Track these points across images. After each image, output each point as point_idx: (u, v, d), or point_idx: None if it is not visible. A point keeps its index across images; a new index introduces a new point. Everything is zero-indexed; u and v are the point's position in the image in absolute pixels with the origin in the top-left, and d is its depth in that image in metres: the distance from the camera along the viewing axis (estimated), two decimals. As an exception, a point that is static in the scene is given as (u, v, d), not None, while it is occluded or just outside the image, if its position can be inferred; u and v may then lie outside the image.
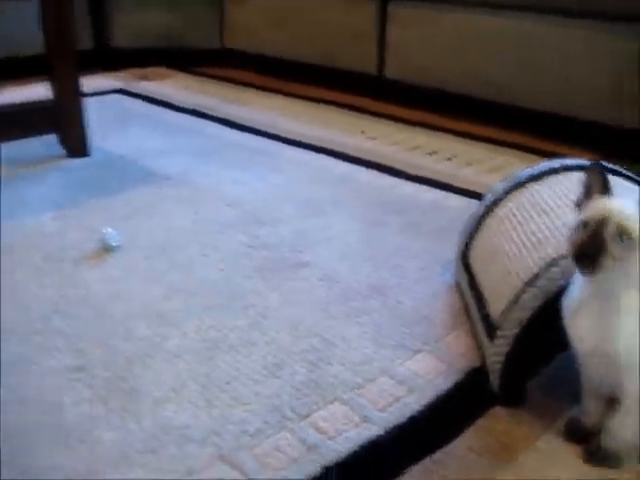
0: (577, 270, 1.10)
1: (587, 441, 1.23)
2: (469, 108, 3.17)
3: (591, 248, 1.06)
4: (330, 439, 1.25)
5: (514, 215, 1.50)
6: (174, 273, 1.80)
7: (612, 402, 1.19)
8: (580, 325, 1.14)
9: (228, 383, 1.39)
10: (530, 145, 2.82)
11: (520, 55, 2.92)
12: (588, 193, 1.14)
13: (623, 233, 1.05)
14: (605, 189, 1.13)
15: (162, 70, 4.11)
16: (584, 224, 1.09)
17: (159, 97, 3.54)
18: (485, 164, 2.65)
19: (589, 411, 1.24)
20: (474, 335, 1.50)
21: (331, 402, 1.34)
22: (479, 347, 1.45)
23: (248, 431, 1.27)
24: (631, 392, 1.14)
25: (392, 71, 3.45)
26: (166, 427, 1.27)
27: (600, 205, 1.10)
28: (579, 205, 1.15)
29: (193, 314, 1.62)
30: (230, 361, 1.46)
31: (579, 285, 1.16)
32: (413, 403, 1.34)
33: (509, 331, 1.27)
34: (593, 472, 1.18)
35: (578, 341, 1.16)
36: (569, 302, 1.18)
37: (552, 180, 1.55)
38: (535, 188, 1.55)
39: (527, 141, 2.87)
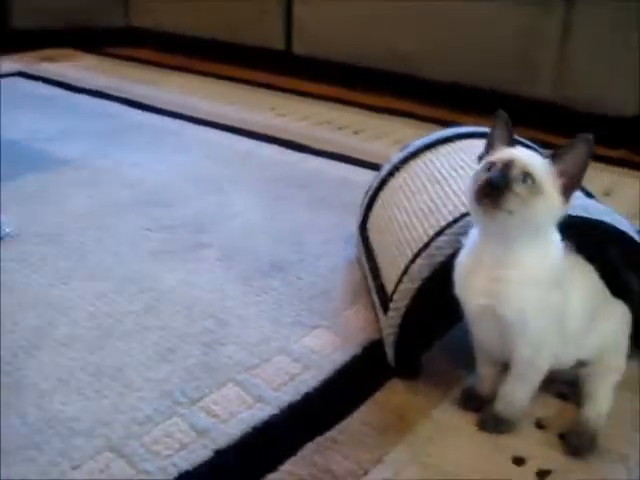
0: (478, 209, 1.07)
1: (482, 409, 1.23)
2: (378, 82, 3.16)
3: (497, 182, 1.03)
4: (222, 422, 1.21)
5: (407, 185, 1.48)
6: (67, 260, 1.73)
7: (505, 369, 1.20)
8: (470, 283, 1.12)
9: (119, 370, 1.34)
10: (438, 117, 2.83)
11: (426, 27, 2.92)
12: (492, 144, 1.14)
13: (527, 176, 1.04)
14: (509, 140, 1.13)
15: (67, 51, 3.95)
16: (489, 165, 1.08)
17: (61, 79, 3.40)
18: (393, 137, 2.64)
19: (483, 379, 1.25)
20: (373, 308, 1.49)
21: (224, 384, 1.30)
22: (377, 320, 1.44)
23: (138, 419, 1.22)
24: (522, 357, 1.15)
25: (300, 46, 3.41)
26: (52, 420, 1.21)
27: (506, 151, 1.10)
28: (480, 155, 1.15)
29: (85, 301, 1.56)
30: (123, 348, 1.41)
31: (472, 243, 1.14)
32: (309, 380, 1.31)
33: (400, 302, 1.26)
34: (486, 438, 1.19)
35: (468, 301, 1.14)
36: (460, 262, 1.16)
37: (445, 149, 1.54)
38: (428, 157, 1.53)
39: (435, 113, 2.88)
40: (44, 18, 3.90)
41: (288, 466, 1.12)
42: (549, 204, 1.06)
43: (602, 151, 2.52)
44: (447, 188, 1.39)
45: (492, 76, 2.76)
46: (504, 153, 1.09)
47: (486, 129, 1.59)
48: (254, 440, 1.18)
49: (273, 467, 1.12)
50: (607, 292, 1.27)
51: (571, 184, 1.08)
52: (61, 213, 1.97)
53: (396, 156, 1.62)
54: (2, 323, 1.47)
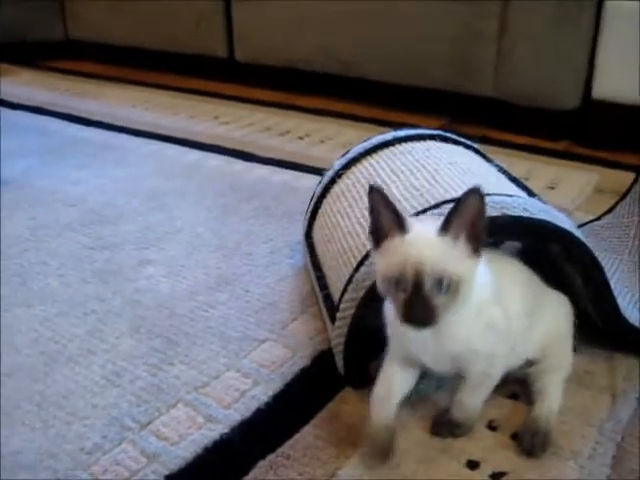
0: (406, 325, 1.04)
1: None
2: (320, 85, 3.16)
3: (420, 313, 1.00)
4: (173, 445, 1.19)
5: (350, 192, 1.48)
6: (8, 285, 1.68)
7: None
8: (415, 336, 1.09)
9: (65, 398, 1.31)
10: (380, 117, 2.84)
11: (364, 28, 2.92)
12: (381, 227, 1.05)
13: (441, 279, 1.00)
14: (396, 216, 1.03)
15: (4, 66, 3.86)
16: (397, 282, 1.01)
17: (-1, 96, 3.32)
18: (337, 140, 2.64)
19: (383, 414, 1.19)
20: (321, 317, 1.48)
21: (174, 405, 1.28)
22: (326, 329, 1.43)
23: (85, 448, 1.19)
24: (476, 371, 1.16)
25: (241, 53, 3.39)
26: (-4, 455, 1.18)
27: (404, 254, 1.01)
28: (375, 237, 1.06)
29: (28, 327, 1.52)
30: (68, 374, 1.37)
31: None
32: (259, 395, 1.30)
33: (347, 312, 1.25)
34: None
35: (414, 350, 1.14)
36: (389, 316, 1.15)
37: (385, 153, 1.53)
38: (369, 162, 1.53)
39: (377, 114, 2.88)
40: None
41: (240, 486, 1.11)
42: (469, 282, 1.03)
43: (545, 144, 2.56)
44: (388, 193, 1.38)
45: (432, 75, 2.78)
46: (404, 258, 1.01)
47: (426, 130, 1.62)
48: (206, 461, 1.16)
49: (225, 489, 1.10)
50: (543, 286, 1.29)
51: (475, 238, 1.02)
52: (1, 236, 1.92)
53: (337, 162, 1.62)
54: (-59, 357, 1.43)
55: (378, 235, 1.05)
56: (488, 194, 1.26)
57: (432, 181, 1.36)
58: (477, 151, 1.59)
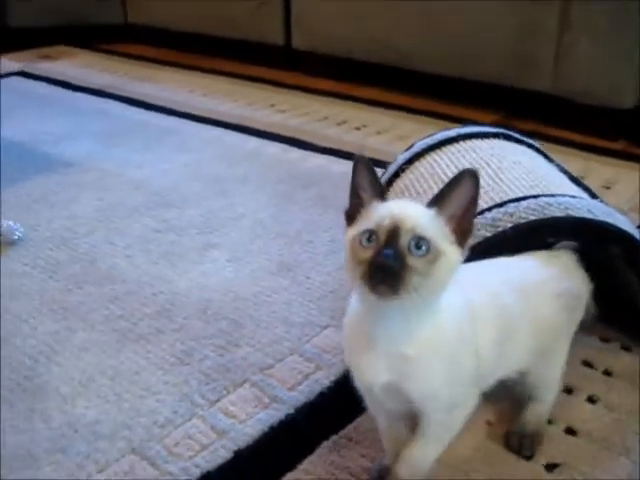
0: (370, 294, 0.88)
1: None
2: (377, 76, 3.18)
3: (388, 259, 0.84)
4: (240, 423, 1.25)
5: (413, 186, 1.51)
6: (80, 264, 1.76)
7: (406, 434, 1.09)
8: (364, 358, 0.96)
9: (137, 374, 1.38)
10: (437, 110, 2.86)
11: (425, 21, 2.93)
12: (359, 198, 0.94)
13: (420, 239, 0.87)
14: (378, 188, 0.94)
15: (64, 49, 3.98)
16: (369, 234, 0.88)
17: (61, 78, 3.42)
18: (393, 132, 2.67)
19: (390, 451, 1.12)
20: (381, 307, 1.52)
21: (240, 385, 1.34)
22: (386, 318, 1.47)
23: (158, 422, 1.26)
24: (434, 421, 1.01)
25: (299, 41, 3.43)
26: (75, 424, 1.26)
27: (384, 210, 0.90)
28: (351, 213, 0.95)
29: (100, 305, 1.60)
30: (139, 351, 1.45)
31: (357, 310, 0.97)
32: (322, 379, 1.35)
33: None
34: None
35: (364, 377, 0.99)
36: (347, 329, 1.01)
37: (450, 149, 1.56)
38: (433, 158, 1.56)
39: (434, 106, 2.90)
40: (41, 16, 3.92)
41: (306, 465, 1.17)
42: (450, 264, 0.89)
43: (601, 143, 2.56)
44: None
45: (490, 69, 2.78)
46: (382, 213, 0.89)
47: (490, 128, 1.65)
48: (272, 440, 1.22)
49: (292, 466, 1.16)
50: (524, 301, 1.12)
51: (463, 229, 0.91)
52: (70, 217, 2.00)
53: (401, 156, 1.65)
54: (21, 328, 1.51)
55: (355, 208, 0.94)
56: (553, 195, 1.30)
57: (496, 179, 1.39)
58: (539, 150, 1.61)
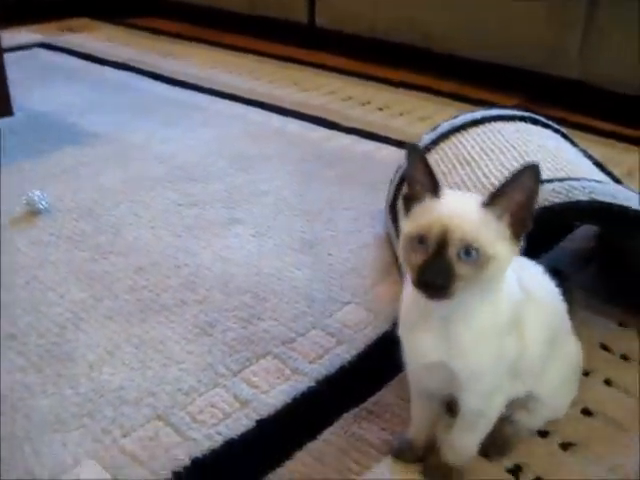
0: (421, 295, 0.92)
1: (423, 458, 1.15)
2: (401, 56, 3.17)
3: (437, 274, 0.88)
4: (263, 393, 1.28)
5: (438, 166, 1.53)
6: (105, 234, 1.79)
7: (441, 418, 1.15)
8: (417, 335, 0.99)
9: (161, 343, 1.41)
10: (461, 93, 2.85)
11: (452, 3, 2.91)
12: (415, 190, 0.95)
13: (470, 247, 0.88)
14: (433, 182, 0.94)
15: (86, 21, 3.98)
16: (420, 239, 0.91)
17: (84, 50, 3.43)
18: (416, 113, 2.67)
19: (419, 427, 1.15)
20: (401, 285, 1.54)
21: (263, 357, 1.37)
22: (407, 297, 1.49)
23: (182, 389, 1.29)
24: (472, 409, 1.05)
25: (323, 19, 3.42)
26: (101, 390, 1.29)
27: (435, 212, 0.91)
28: (408, 202, 0.96)
29: (124, 275, 1.62)
30: (163, 321, 1.47)
31: (413, 292, 0.97)
32: (343, 354, 1.38)
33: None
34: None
35: (415, 354, 1.02)
36: (406, 310, 1.03)
37: (475, 131, 1.58)
38: (458, 139, 1.58)
39: (458, 89, 2.90)
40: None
41: (327, 435, 1.19)
42: (501, 264, 0.91)
43: (626, 131, 2.55)
44: (477, 170, 1.43)
45: (517, 54, 2.77)
46: (433, 217, 0.91)
47: (515, 111, 1.66)
48: (293, 410, 1.25)
49: (313, 436, 1.19)
50: (569, 325, 1.18)
51: (520, 223, 0.91)
52: (95, 188, 2.03)
53: (427, 136, 1.67)
54: (48, 296, 1.54)
55: (411, 199, 0.95)
56: (577, 179, 1.32)
57: (522, 161, 1.40)
58: (565, 135, 1.62)
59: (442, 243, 0.89)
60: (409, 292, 1.01)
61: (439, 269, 0.88)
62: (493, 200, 0.91)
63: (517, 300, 1.00)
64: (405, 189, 0.97)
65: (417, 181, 0.94)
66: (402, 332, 1.04)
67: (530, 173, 0.89)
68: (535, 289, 1.05)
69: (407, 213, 0.96)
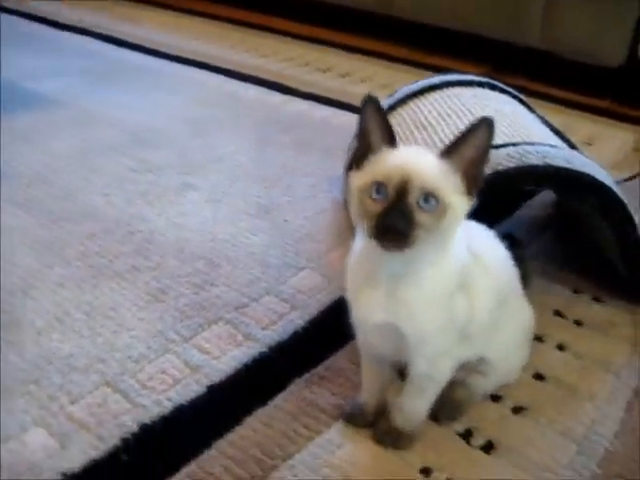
0: (378, 246, 0.90)
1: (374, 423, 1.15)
2: (364, 23, 3.14)
3: (398, 220, 0.86)
4: (214, 359, 1.27)
5: (395, 131, 1.51)
6: (55, 200, 1.75)
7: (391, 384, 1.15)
8: (366, 296, 0.98)
9: (113, 309, 1.38)
10: (422, 60, 2.84)
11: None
12: (368, 141, 0.93)
13: (429, 195, 0.87)
14: (389, 133, 0.92)
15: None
16: (377, 188, 0.89)
17: (43, 15, 3.34)
18: (378, 80, 2.65)
19: (369, 392, 1.14)
20: (358, 251, 1.53)
21: (215, 323, 1.35)
22: (362, 262, 1.48)
23: (132, 356, 1.27)
24: (420, 372, 1.04)
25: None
26: (50, 357, 1.26)
27: (393, 161, 0.90)
28: (359, 157, 0.93)
29: (76, 241, 1.59)
30: (115, 288, 1.45)
31: (362, 249, 0.97)
32: (296, 319, 1.37)
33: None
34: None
35: (363, 314, 1.01)
36: (352, 266, 1.01)
37: (433, 96, 1.56)
38: (416, 103, 1.56)
39: (420, 57, 2.89)
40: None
41: (278, 400, 1.18)
42: (457, 215, 0.91)
43: (587, 100, 2.56)
44: (434, 135, 1.42)
45: (479, 21, 2.76)
46: (392, 164, 0.89)
47: (474, 77, 1.64)
48: (245, 376, 1.24)
49: (263, 402, 1.18)
50: (519, 288, 1.18)
51: (473, 177, 0.91)
52: (48, 153, 1.98)
53: (384, 102, 1.64)
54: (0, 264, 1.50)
55: (363, 152, 0.93)
56: (532, 143, 1.31)
57: (477, 126, 1.39)
58: (522, 101, 1.61)
59: (402, 191, 0.87)
60: (358, 251, 0.99)
61: (400, 215, 0.86)
62: (449, 153, 0.90)
63: (466, 263, 0.99)
64: (356, 142, 0.94)
65: (372, 132, 0.92)
66: (350, 293, 1.02)
67: (484, 127, 0.88)
68: (484, 253, 1.04)
69: (358, 167, 0.93)
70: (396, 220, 0.86)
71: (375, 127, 0.92)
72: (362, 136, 0.93)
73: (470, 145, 0.89)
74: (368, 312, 0.99)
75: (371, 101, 0.92)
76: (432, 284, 0.95)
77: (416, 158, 0.90)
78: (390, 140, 0.92)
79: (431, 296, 0.96)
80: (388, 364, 1.12)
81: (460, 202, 0.90)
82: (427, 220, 0.87)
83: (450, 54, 2.84)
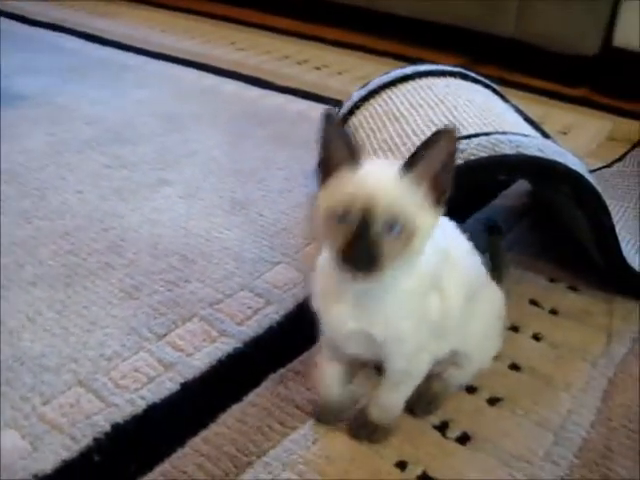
0: (345, 273, 0.88)
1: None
2: (340, 16, 3.13)
3: (363, 255, 0.85)
4: (188, 356, 1.25)
5: (368, 123, 1.50)
6: (28, 198, 1.72)
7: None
8: (334, 305, 0.97)
9: (85, 308, 1.37)
10: (399, 52, 2.83)
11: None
12: (330, 159, 0.90)
13: (394, 223, 0.85)
14: (351, 149, 0.88)
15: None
16: (341, 216, 0.86)
17: (15, 11, 3.29)
18: (355, 73, 2.64)
19: (331, 386, 1.13)
20: (334, 244, 1.52)
21: (189, 319, 1.34)
22: (338, 256, 1.47)
23: (105, 355, 1.25)
24: (397, 369, 1.04)
25: (260, -22, 3.35)
26: (21, 357, 1.24)
27: (355, 187, 0.86)
28: (323, 174, 0.91)
29: (49, 240, 1.57)
30: (88, 286, 1.43)
31: (332, 266, 0.91)
32: (271, 314, 1.36)
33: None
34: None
35: (332, 323, 1.00)
36: (321, 281, 1.00)
37: (405, 87, 1.55)
38: (388, 95, 1.55)
39: (396, 49, 2.88)
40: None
41: (252, 397, 1.17)
42: (426, 233, 0.88)
43: (563, 90, 2.56)
44: (406, 126, 1.41)
45: (454, 12, 2.75)
46: (355, 189, 0.86)
47: (446, 67, 1.64)
48: (219, 372, 1.23)
49: (238, 398, 1.17)
50: (487, 277, 1.17)
51: (440, 187, 0.88)
52: (21, 151, 1.95)
53: (356, 93, 1.64)
54: (-34, 262, 1.48)
55: (326, 169, 0.90)
56: (505, 132, 1.30)
57: (450, 117, 1.38)
58: (495, 91, 1.60)
59: (366, 220, 0.85)
60: (324, 264, 0.97)
61: (365, 248, 0.84)
62: (411, 166, 0.87)
63: (437, 261, 0.97)
64: (320, 155, 0.91)
65: (334, 150, 0.89)
66: (318, 304, 1.01)
67: (447, 136, 0.85)
68: (451, 247, 1.03)
69: (322, 183, 0.91)
70: (361, 253, 0.84)
71: (336, 144, 0.89)
72: (324, 154, 0.90)
73: (432, 158, 0.86)
74: (339, 322, 0.97)
75: (329, 118, 0.88)
76: (403, 290, 0.94)
77: (378, 180, 0.87)
78: (353, 155, 0.88)
79: (402, 300, 0.95)
80: (349, 361, 1.10)
81: (428, 218, 0.88)
82: (394, 247, 0.86)
83: (429, 46, 2.83)
